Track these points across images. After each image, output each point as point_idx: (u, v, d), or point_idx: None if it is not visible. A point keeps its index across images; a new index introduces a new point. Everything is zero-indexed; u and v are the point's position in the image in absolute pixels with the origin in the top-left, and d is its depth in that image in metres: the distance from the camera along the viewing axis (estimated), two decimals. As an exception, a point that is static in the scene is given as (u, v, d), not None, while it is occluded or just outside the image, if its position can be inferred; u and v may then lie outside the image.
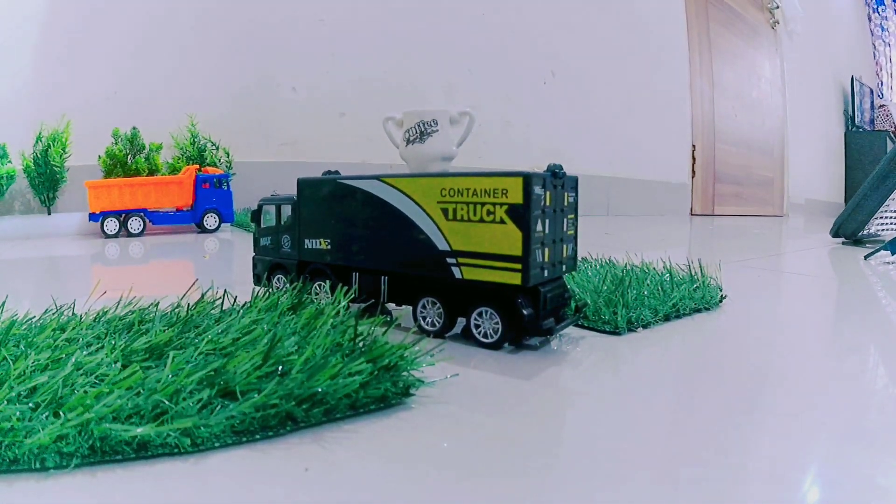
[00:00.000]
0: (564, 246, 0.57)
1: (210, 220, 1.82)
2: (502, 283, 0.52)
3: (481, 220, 0.52)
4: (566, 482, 0.32)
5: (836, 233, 1.76)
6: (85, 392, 0.35)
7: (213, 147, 1.98)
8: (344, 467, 0.33)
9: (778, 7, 4.93)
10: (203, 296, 0.53)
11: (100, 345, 0.44)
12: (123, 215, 1.76)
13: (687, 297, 0.73)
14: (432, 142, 0.58)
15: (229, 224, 1.87)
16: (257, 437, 0.36)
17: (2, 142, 1.85)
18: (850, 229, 1.73)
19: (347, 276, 0.62)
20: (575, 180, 0.57)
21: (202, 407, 0.35)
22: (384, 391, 0.41)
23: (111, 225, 1.75)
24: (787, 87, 5.05)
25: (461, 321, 0.59)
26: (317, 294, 0.62)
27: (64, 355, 0.41)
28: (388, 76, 2.20)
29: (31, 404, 0.35)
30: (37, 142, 1.90)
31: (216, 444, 0.34)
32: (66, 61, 2.06)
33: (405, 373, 0.43)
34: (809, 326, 0.74)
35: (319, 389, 0.37)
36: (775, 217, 4.37)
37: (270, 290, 0.64)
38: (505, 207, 0.51)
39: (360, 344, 0.44)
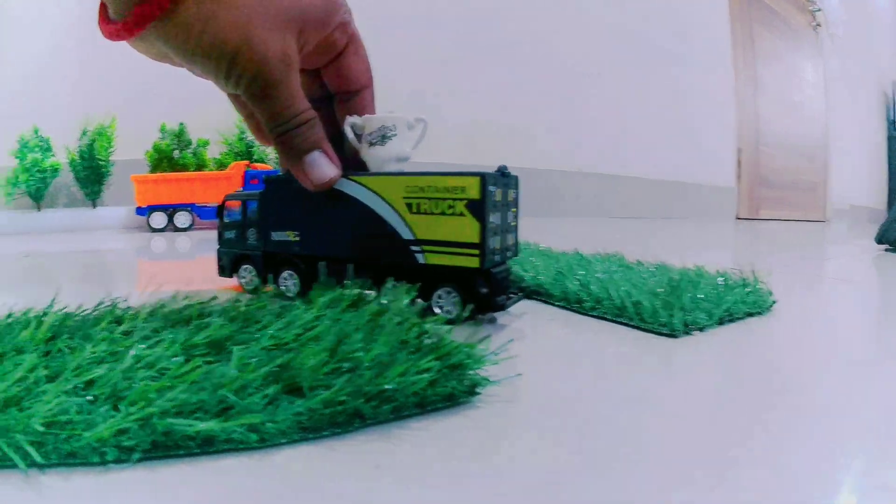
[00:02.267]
0: (510, 235, 0.66)
1: None
2: (462, 266, 0.60)
3: (443, 213, 0.60)
4: (632, 484, 0.31)
5: (879, 239, 1.74)
6: (146, 385, 0.35)
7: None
8: (414, 465, 0.33)
9: (819, 10, 4.88)
10: (259, 290, 0.53)
11: (157, 338, 0.44)
12: (171, 210, 1.77)
13: (740, 302, 0.72)
14: (391, 144, 0.65)
15: None
16: (325, 433, 0.35)
17: (46, 135, 1.87)
18: (893, 236, 1.70)
19: (314, 264, 0.69)
20: (517, 179, 0.67)
21: (268, 403, 0.35)
22: (451, 389, 0.40)
23: (158, 219, 1.76)
24: (829, 90, 4.99)
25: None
26: (284, 282, 0.69)
27: (121, 348, 0.41)
28: (418, 79, 2.18)
29: (89, 397, 0.35)
30: (82, 136, 1.92)
31: (282, 441, 0.34)
32: (112, 56, 2.08)
33: (471, 371, 0.42)
34: (858, 332, 0.73)
35: (388, 387, 0.37)
36: (819, 222, 4.32)
37: (240, 280, 0.73)
38: (464, 202, 0.59)
39: (427, 341, 0.43)
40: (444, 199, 0.60)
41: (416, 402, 0.39)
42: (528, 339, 0.58)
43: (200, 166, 1.95)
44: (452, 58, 2.44)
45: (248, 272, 0.73)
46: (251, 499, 0.29)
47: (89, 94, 2.06)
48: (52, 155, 1.89)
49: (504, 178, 0.63)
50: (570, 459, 0.34)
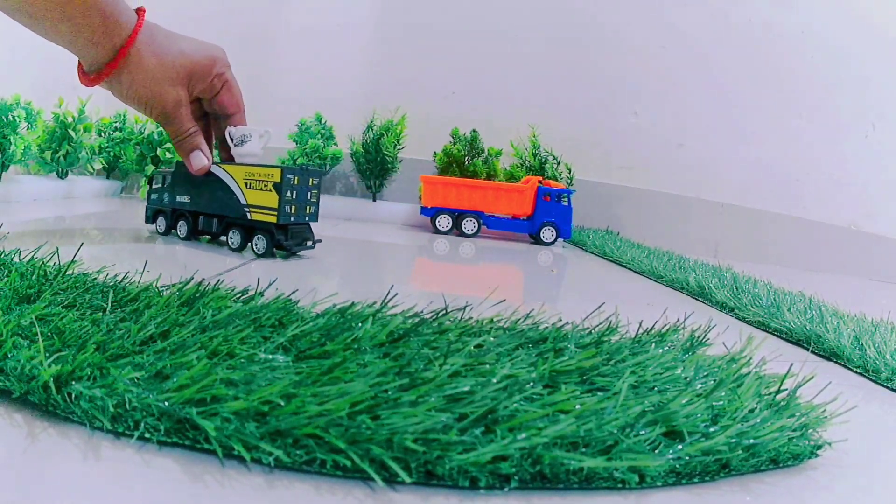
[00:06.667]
0: (308, 206, 1.05)
1: (547, 234, 1.82)
2: (269, 222, 1.00)
3: (262, 189, 1.00)
4: None
5: None
6: (530, 412, 0.36)
7: (555, 161, 2.00)
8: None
9: None
10: (611, 323, 0.55)
11: (511, 358, 0.46)
12: (457, 214, 1.84)
13: None
14: (247, 146, 1.03)
15: (563, 240, 1.86)
16: (695, 480, 0.37)
17: (330, 124, 1.98)
18: None
19: (196, 218, 1.10)
20: (320, 172, 1.10)
21: (650, 444, 0.37)
22: (801, 448, 0.41)
23: (444, 222, 1.82)
24: None
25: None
26: (180, 229, 1.12)
27: (477, 363, 0.43)
28: (721, 111, 2.11)
29: (456, 415, 0.35)
30: (367, 129, 2.01)
31: (658, 483, 0.36)
32: (402, 56, 2.20)
33: (815, 431, 0.43)
34: None
35: (752, 441, 0.38)
36: None
37: (156, 226, 1.17)
38: (272, 183, 0.99)
39: (780, 399, 0.44)
40: (263, 181, 0.99)
41: (771, 458, 0.40)
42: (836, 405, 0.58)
43: (490, 175, 1.99)
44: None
45: (161, 222, 1.16)
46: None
47: (376, 91, 2.17)
48: (335, 143, 2.00)
49: (303, 171, 1.02)
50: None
